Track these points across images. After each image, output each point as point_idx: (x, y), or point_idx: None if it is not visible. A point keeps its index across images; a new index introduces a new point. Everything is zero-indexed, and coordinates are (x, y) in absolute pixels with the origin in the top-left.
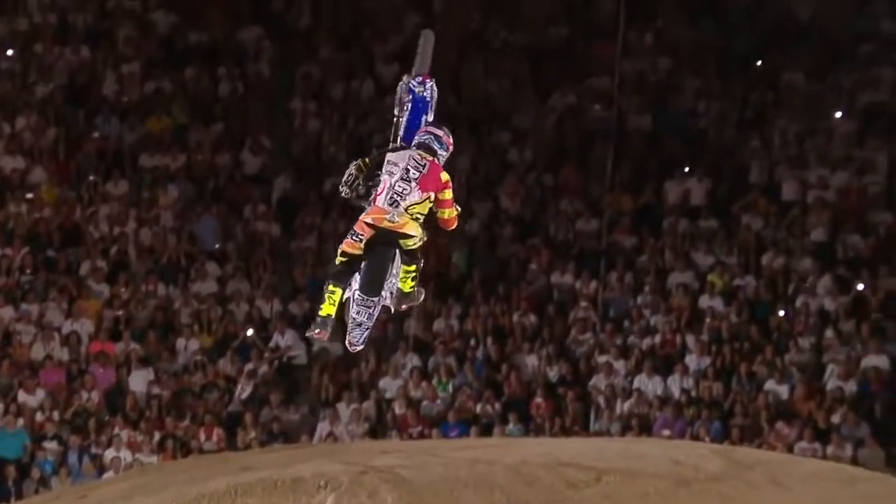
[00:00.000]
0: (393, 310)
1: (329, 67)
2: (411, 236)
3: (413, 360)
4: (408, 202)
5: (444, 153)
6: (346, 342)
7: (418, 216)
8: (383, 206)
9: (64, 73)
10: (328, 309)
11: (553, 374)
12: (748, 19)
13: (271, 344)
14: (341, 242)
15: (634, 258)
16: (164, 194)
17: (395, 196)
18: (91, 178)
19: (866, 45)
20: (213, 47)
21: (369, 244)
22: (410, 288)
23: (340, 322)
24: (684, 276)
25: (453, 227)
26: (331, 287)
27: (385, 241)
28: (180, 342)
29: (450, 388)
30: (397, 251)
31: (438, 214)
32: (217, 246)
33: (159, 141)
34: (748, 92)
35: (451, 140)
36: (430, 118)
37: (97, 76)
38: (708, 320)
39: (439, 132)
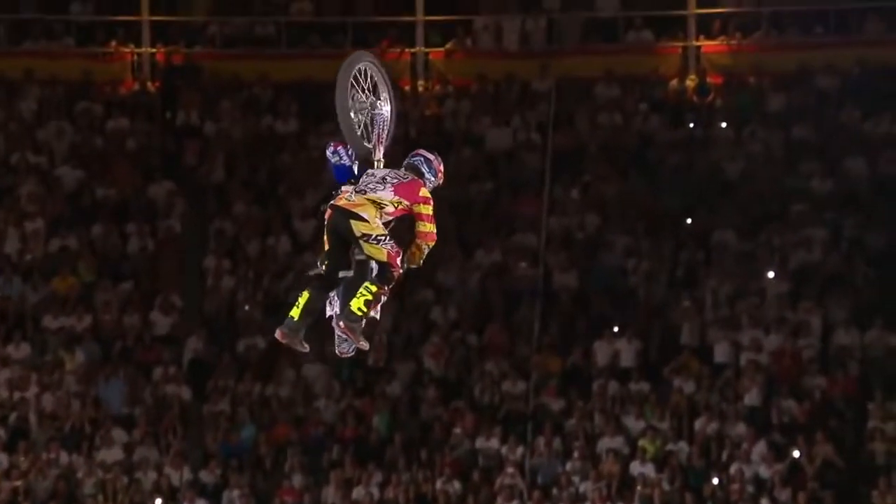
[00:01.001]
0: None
1: (244, 223)
2: (364, 219)
3: None
4: (375, 195)
5: (432, 178)
6: (336, 350)
7: (380, 204)
8: (348, 190)
9: None
10: (294, 311)
11: None
12: (677, 176)
13: None
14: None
15: (563, 422)
16: (68, 357)
17: (364, 188)
18: None
19: (797, 204)
20: (122, 203)
21: (335, 245)
22: (359, 310)
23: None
24: (614, 441)
25: (432, 242)
26: (303, 293)
27: (338, 223)
28: None
29: None
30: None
31: (417, 227)
32: (124, 411)
33: (64, 301)
34: (678, 250)
35: (442, 168)
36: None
37: None
38: (639, 488)
39: (430, 156)
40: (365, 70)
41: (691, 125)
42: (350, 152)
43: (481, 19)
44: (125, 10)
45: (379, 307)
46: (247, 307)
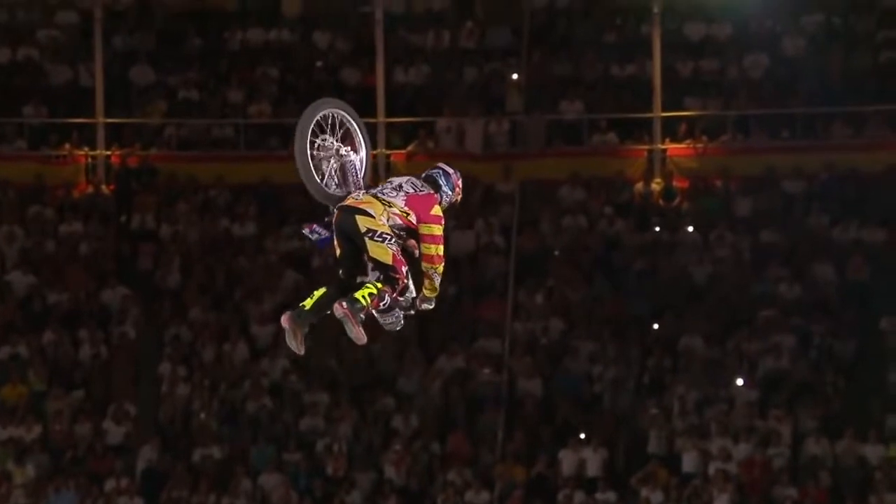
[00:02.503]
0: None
1: (200, 328)
2: (369, 215)
3: None
4: (386, 198)
5: (449, 192)
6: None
7: (388, 203)
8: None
9: None
10: (307, 301)
11: None
12: (644, 281)
13: None
14: None
15: None
16: (17, 470)
17: (377, 192)
18: None
19: (766, 310)
20: (74, 309)
21: (346, 249)
22: (363, 298)
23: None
24: None
25: (440, 265)
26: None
27: (343, 221)
28: None
29: None
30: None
31: (422, 250)
32: None
33: (13, 410)
34: (645, 356)
35: (461, 184)
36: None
37: None
38: None
39: (450, 170)
40: (334, 118)
41: (657, 229)
42: (326, 222)
43: (444, 121)
44: (80, 112)
45: (387, 307)
46: (202, 415)
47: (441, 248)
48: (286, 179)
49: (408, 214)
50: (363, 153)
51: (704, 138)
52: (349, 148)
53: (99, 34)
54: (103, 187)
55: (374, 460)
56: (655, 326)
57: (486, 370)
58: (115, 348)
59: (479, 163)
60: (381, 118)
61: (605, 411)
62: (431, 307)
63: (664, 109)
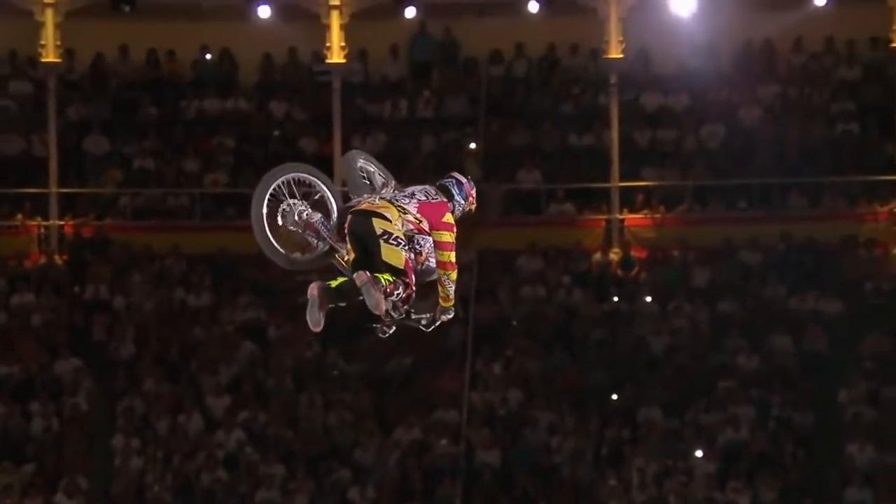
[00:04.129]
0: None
1: (154, 400)
2: (386, 218)
3: None
4: (399, 204)
5: (462, 201)
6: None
7: (403, 210)
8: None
9: None
10: (332, 282)
11: None
12: (602, 351)
13: None
14: None
15: None
16: None
17: (390, 198)
18: None
19: (724, 381)
20: (26, 381)
21: (360, 254)
22: (384, 280)
23: None
24: None
25: (453, 272)
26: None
27: (358, 224)
28: None
29: None
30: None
31: (437, 256)
32: None
33: None
34: (604, 427)
35: (474, 193)
36: None
37: None
38: None
39: (463, 179)
40: (299, 181)
41: (615, 299)
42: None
43: None
44: (32, 182)
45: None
46: (156, 489)
47: (453, 255)
48: (242, 249)
49: (420, 221)
50: (335, 210)
51: (662, 208)
52: (310, 213)
53: (53, 104)
54: (56, 258)
55: None
56: (614, 397)
57: (444, 441)
58: (67, 421)
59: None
60: (338, 187)
61: (563, 483)
62: (451, 317)
63: (622, 179)
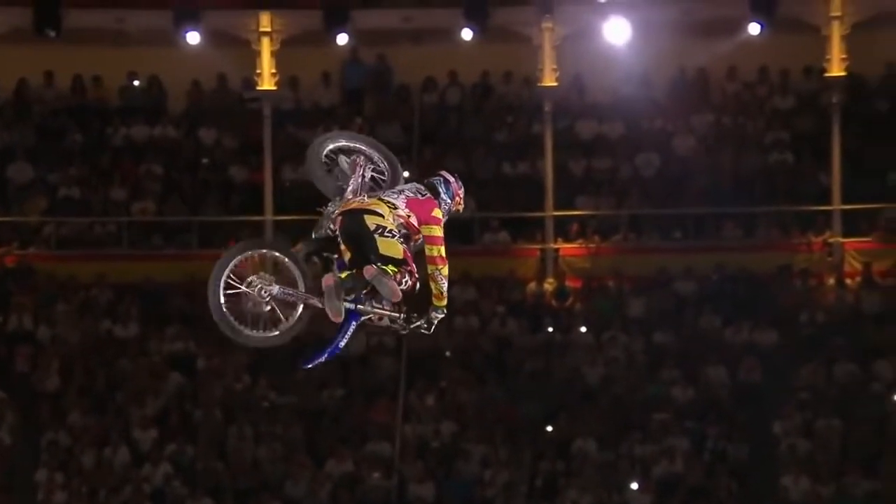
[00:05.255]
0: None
1: (79, 433)
2: (378, 213)
3: None
4: (388, 199)
5: (448, 200)
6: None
7: (393, 205)
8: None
9: None
10: (343, 274)
11: None
12: (536, 382)
13: None
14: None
15: None
16: None
17: (377, 194)
18: None
19: (659, 412)
20: None
21: (355, 253)
22: (388, 269)
23: None
24: None
25: (443, 266)
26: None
27: (350, 223)
28: None
29: None
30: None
31: (427, 251)
32: None
33: None
34: (538, 460)
35: (461, 193)
36: None
37: None
38: None
39: (450, 178)
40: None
41: (550, 329)
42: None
43: None
44: None
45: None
46: None
47: (443, 249)
48: (170, 278)
49: (409, 216)
50: (300, 282)
51: (597, 238)
52: (270, 288)
53: None
54: None
55: None
56: (549, 429)
57: (376, 474)
58: None
59: None
60: (269, 216)
61: None
62: (443, 316)
63: (556, 208)
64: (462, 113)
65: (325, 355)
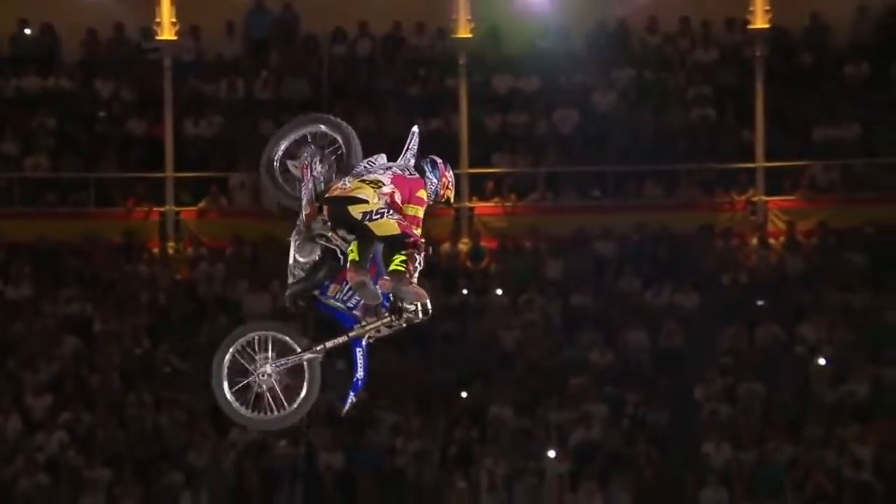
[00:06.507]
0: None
1: None
2: (362, 200)
3: None
4: (372, 177)
5: (434, 179)
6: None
7: (377, 183)
8: (341, 181)
9: None
10: (352, 254)
11: None
12: (450, 347)
13: None
14: None
15: None
16: None
17: (361, 171)
18: None
19: (576, 377)
20: None
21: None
22: (402, 265)
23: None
24: None
25: (419, 250)
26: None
27: (336, 214)
28: None
29: None
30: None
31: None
32: None
33: None
34: (452, 427)
35: (449, 175)
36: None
37: None
38: None
39: (438, 160)
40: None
41: (465, 292)
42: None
43: (237, 176)
44: None
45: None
46: None
47: (420, 230)
48: (65, 237)
49: (394, 192)
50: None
51: (513, 196)
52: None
53: None
54: None
55: None
56: (463, 395)
57: (283, 442)
58: None
59: (274, 221)
60: (170, 173)
61: (408, 485)
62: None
63: (471, 166)
64: (373, 66)
65: (353, 393)
